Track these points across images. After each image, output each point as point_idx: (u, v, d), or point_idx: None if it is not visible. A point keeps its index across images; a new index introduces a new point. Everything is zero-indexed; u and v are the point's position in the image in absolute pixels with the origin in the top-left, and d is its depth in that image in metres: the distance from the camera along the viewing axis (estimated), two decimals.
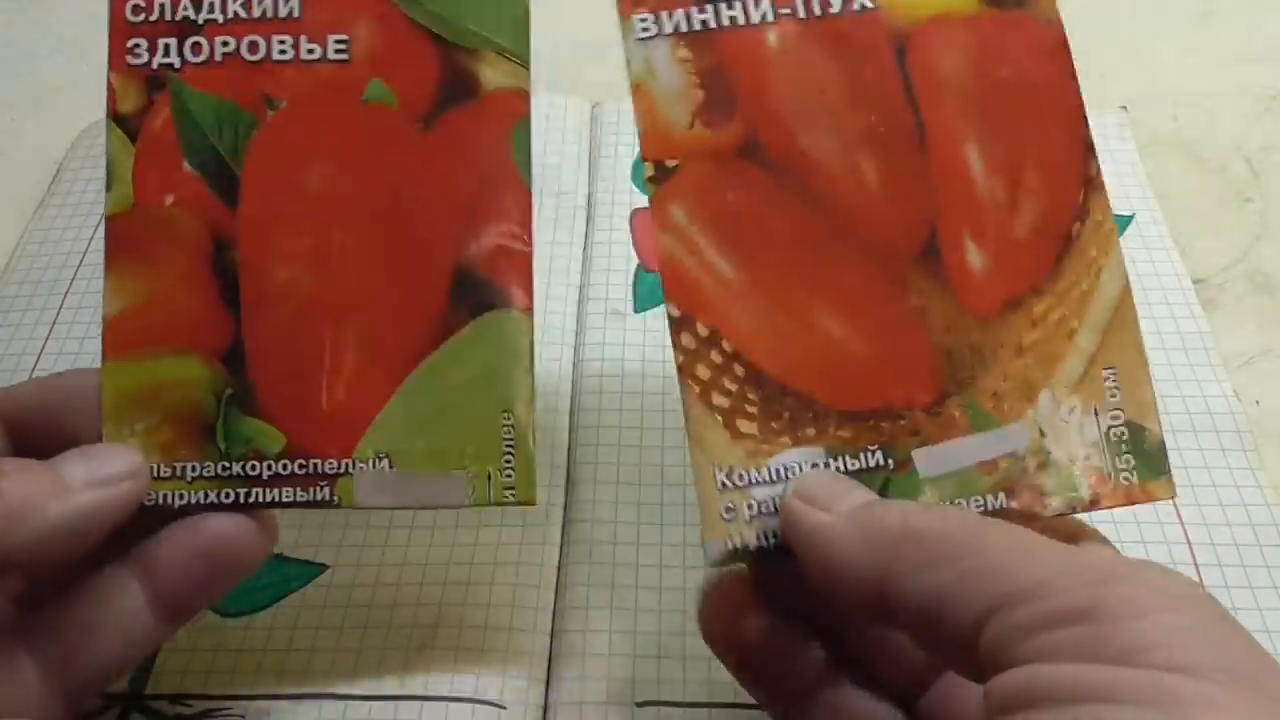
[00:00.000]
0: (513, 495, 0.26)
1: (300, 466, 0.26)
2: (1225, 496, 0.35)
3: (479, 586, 0.33)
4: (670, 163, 0.26)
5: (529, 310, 0.27)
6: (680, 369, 0.25)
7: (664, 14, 0.26)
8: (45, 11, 0.58)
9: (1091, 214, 0.26)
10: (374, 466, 0.26)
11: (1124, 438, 0.25)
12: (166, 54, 0.27)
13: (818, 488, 0.24)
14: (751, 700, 0.26)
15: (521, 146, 0.27)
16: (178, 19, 0.27)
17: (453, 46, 0.27)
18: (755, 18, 0.26)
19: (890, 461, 0.25)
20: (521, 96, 0.27)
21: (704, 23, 0.26)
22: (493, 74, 0.27)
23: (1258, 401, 0.38)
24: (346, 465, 0.26)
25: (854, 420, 0.25)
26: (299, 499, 0.26)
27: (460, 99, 0.27)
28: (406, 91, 0.27)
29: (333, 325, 0.27)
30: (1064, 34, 0.27)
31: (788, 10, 0.26)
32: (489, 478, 0.26)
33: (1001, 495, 0.25)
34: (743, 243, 0.26)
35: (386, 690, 0.31)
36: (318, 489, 0.26)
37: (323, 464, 0.26)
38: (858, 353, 0.26)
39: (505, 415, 0.26)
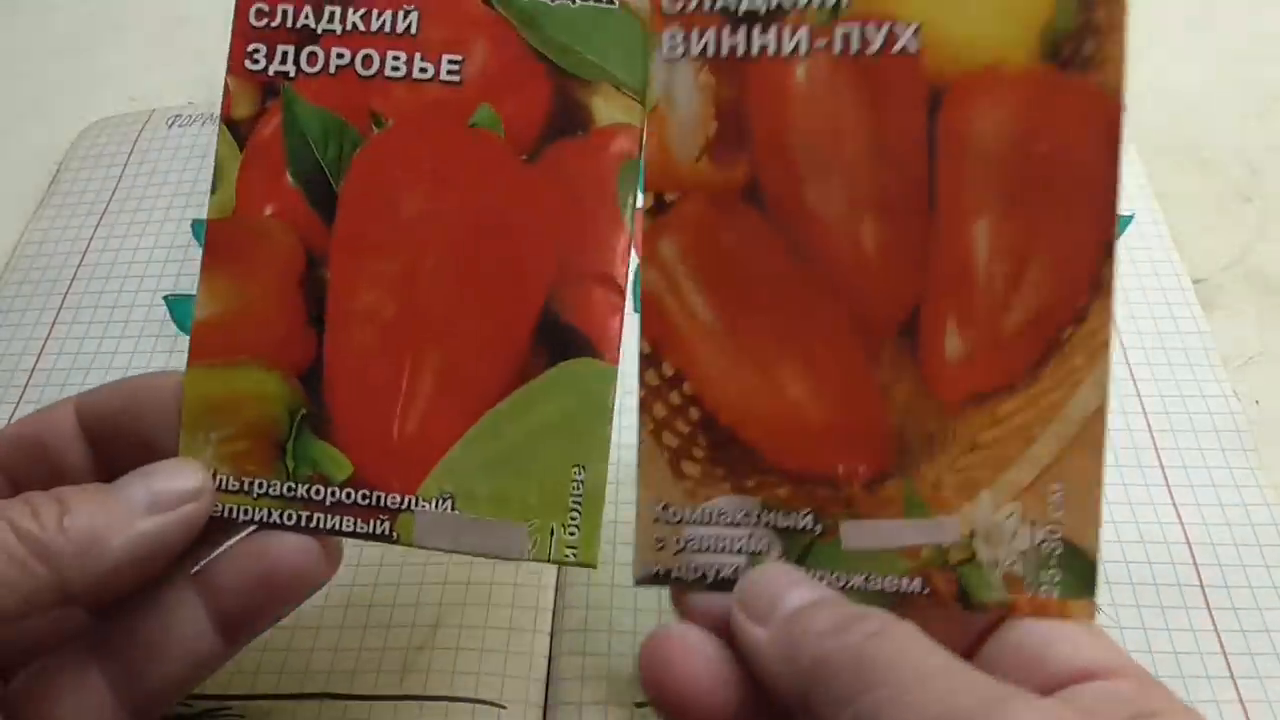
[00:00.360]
0: (574, 555, 0.25)
1: (364, 497, 0.26)
2: (1225, 496, 0.35)
3: (479, 586, 0.33)
4: (670, 197, 0.25)
5: (615, 361, 0.26)
6: (640, 402, 0.25)
7: (694, 32, 0.25)
8: (45, 11, 0.58)
9: (1089, 321, 0.24)
10: (437, 506, 0.26)
11: (1055, 553, 0.24)
12: (284, 61, 0.27)
13: (757, 594, 0.24)
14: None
15: (628, 187, 0.26)
16: (298, 26, 0.27)
17: (568, 76, 0.26)
18: (788, 48, 0.25)
19: (819, 527, 0.25)
20: (633, 133, 0.26)
21: (733, 48, 0.25)
22: (606, 108, 0.26)
23: (1257, 401, 0.38)
24: (409, 501, 0.26)
25: (793, 480, 0.25)
26: (359, 530, 0.26)
27: (569, 131, 0.26)
28: (515, 119, 0.26)
29: (412, 355, 0.26)
30: (1122, 111, 0.24)
31: (824, 43, 0.25)
32: (552, 533, 0.26)
33: (918, 580, 0.25)
34: (726, 288, 0.25)
35: (386, 690, 0.31)
36: (378, 522, 0.26)
37: (386, 497, 0.26)
38: (812, 417, 0.25)
39: (577, 470, 0.26)
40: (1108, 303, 0.25)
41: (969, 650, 0.24)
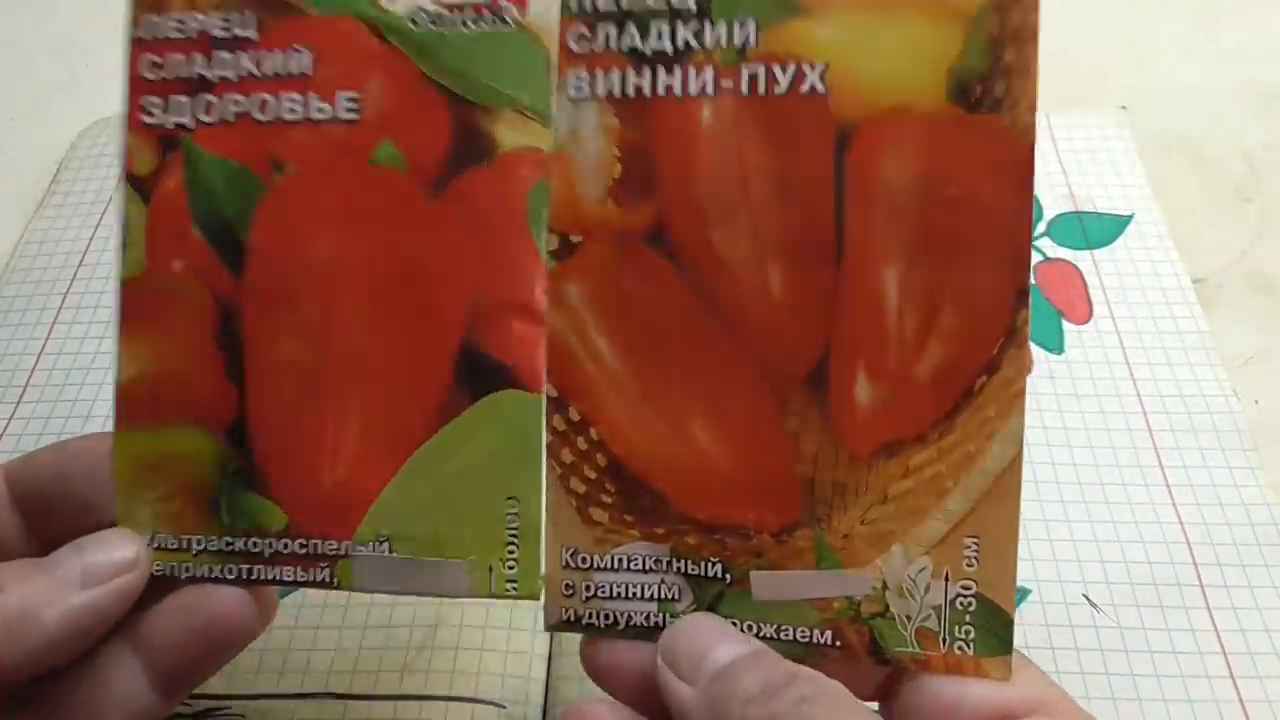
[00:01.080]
0: (514, 589, 0.25)
1: (301, 546, 0.26)
2: (1225, 496, 0.35)
3: None
4: (575, 239, 0.25)
5: (541, 390, 0.25)
6: (547, 447, 0.25)
7: (599, 73, 0.25)
8: (45, 11, 0.58)
9: (1003, 370, 0.24)
10: (374, 550, 0.25)
11: (970, 608, 0.24)
12: (180, 113, 0.26)
13: (683, 649, 0.24)
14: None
15: (538, 212, 0.25)
16: (191, 77, 0.26)
17: (468, 104, 0.26)
18: (694, 88, 0.24)
19: (728, 576, 0.25)
20: (540, 157, 0.25)
21: (639, 88, 0.25)
22: (510, 133, 0.25)
23: (1257, 401, 0.38)
24: (347, 547, 0.26)
25: (702, 529, 0.25)
26: (299, 579, 0.26)
27: (473, 161, 0.25)
28: (417, 153, 0.26)
29: (335, 401, 0.26)
30: (1033, 149, 0.23)
31: (730, 83, 0.24)
32: (491, 568, 0.25)
33: (830, 632, 0.24)
34: (632, 333, 0.25)
35: (386, 690, 0.31)
36: (318, 570, 0.26)
37: (323, 544, 0.26)
38: (721, 465, 0.25)
39: (511, 503, 0.25)
40: (1022, 351, 0.24)
41: (884, 692, 0.24)
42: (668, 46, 0.24)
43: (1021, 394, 0.24)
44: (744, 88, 0.24)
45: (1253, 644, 0.32)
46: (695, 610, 0.25)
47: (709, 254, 0.25)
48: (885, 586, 0.24)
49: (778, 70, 0.24)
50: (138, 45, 0.27)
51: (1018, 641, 0.32)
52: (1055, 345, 0.40)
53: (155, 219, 0.26)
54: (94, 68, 0.56)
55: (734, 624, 0.24)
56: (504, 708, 0.31)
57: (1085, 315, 0.41)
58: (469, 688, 0.31)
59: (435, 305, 0.26)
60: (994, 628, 0.24)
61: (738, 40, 0.24)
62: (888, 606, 0.24)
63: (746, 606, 0.25)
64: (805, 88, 0.24)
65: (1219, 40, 0.52)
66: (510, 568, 0.25)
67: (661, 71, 0.24)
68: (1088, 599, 0.33)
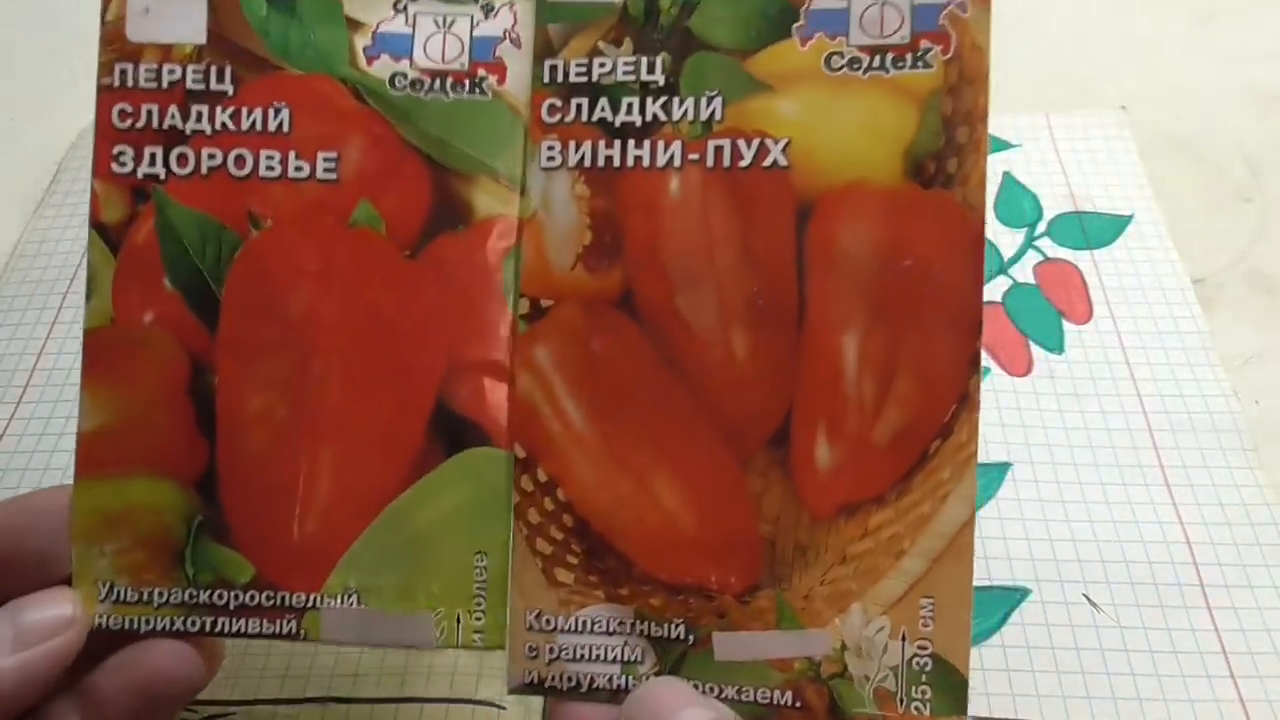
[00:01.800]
0: (481, 640, 0.26)
1: (268, 598, 0.26)
2: (1225, 496, 0.35)
3: None
4: (545, 303, 0.26)
5: (510, 447, 0.26)
6: (514, 508, 0.26)
7: (571, 144, 0.25)
8: (45, 12, 0.58)
9: (955, 434, 0.25)
10: (342, 602, 0.26)
11: (926, 668, 0.24)
12: (152, 164, 0.26)
13: (647, 716, 0.24)
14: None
15: (510, 276, 0.26)
16: (164, 127, 0.26)
17: (446, 169, 0.26)
18: (661, 161, 0.25)
19: (691, 637, 0.25)
20: (513, 223, 0.26)
21: (609, 159, 0.25)
22: (486, 200, 0.26)
23: (1257, 401, 0.38)
24: (315, 599, 0.26)
25: (666, 590, 0.25)
26: (265, 631, 0.26)
27: (450, 225, 0.26)
28: (395, 215, 0.26)
29: (308, 455, 0.26)
30: (983, 224, 0.24)
31: (696, 157, 0.25)
32: (459, 620, 0.26)
33: (790, 693, 0.25)
34: (599, 395, 0.25)
35: (388, 693, 0.31)
36: (284, 622, 0.26)
37: (291, 597, 0.26)
38: (685, 527, 0.25)
39: (479, 557, 0.26)
40: (974, 416, 0.25)
41: None
42: (637, 119, 0.25)
43: (973, 458, 0.25)
44: (710, 160, 0.25)
45: (1253, 644, 0.32)
46: (658, 672, 0.25)
47: (675, 319, 0.25)
48: (844, 647, 0.25)
49: (742, 144, 0.25)
50: (107, 93, 0.27)
51: (1019, 641, 0.32)
52: (1055, 345, 0.40)
53: (124, 269, 0.26)
54: (94, 68, 0.56)
55: (696, 685, 0.25)
56: (504, 708, 0.31)
57: (1085, 315, 0.41)
58: (469, 689, 0.31)
59: (411, 364, 0.26)
60: (949, 688, 0.24)
61: (704, 115, 0.25)
62: (846, 667, 0.25)
63: (709, 667, 0.25)
64: (769, 161, 0.25)
65: (1219, 40, 0.52)
66: (477, 619, 0.26)
67: (631, 143, 0.25)
68: (1088, 599, 0.33)
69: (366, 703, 0.31)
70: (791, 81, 0.25)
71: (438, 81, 0.26)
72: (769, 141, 0.25)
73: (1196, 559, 0.34)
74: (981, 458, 0.36)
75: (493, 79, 0.26)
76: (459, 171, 0.26)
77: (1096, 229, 0.43)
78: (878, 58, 0.25)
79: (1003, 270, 0.42)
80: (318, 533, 0.26)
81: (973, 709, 0.31)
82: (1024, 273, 0.42)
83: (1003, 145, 0.47)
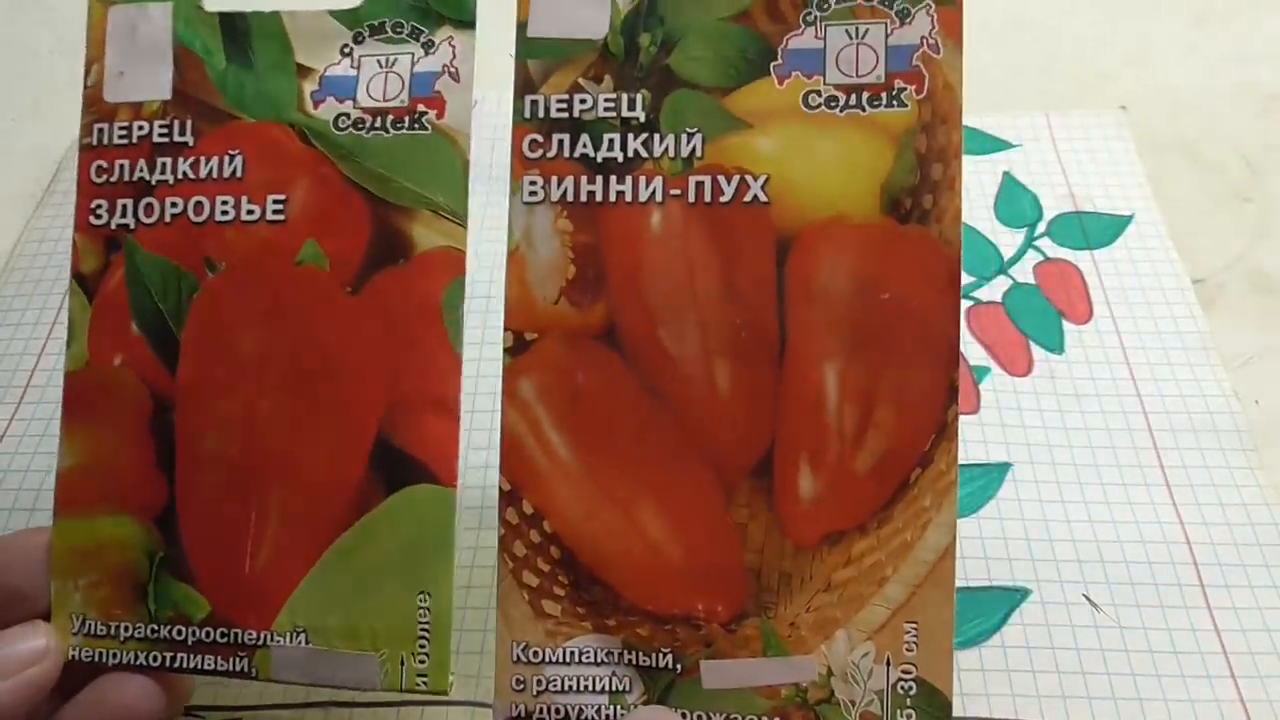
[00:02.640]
0: (425, 683, 0.26)
1: (222, 635, 0.26)
2: (1225, 496, 0.35)
3: (480, 590, 0.33)
4: (529, 336, 0.26)
5: (453, 484, 0.26)
6: (500, 541, 0.26)
7: (554, 179, 0.26)
8: (45, 11, 0.58)
9: (935, 463, 0.25)
10: (291, 640, 0.26)
11: (910, 693, 0.25)
12: (124, 214, 0.28)
13: None
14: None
15: (454, 310, 0.26)
16: (134, 180, 0.27)
17: (387, 205, 0.27)
18: (644, 196, 0.26)
19: (679, 666, 0.25)
20: (456, 256, 0.26)
21: (591, 194, 0.26)
22: (426, 233, 0.26)
23: (1257, 401, 0.38)
24: (265, 637, 0.26)
25: (654, 620, 0.26)
26: (219, 668, 0.26)
27: (391, 260, 0.27)
28: (338, 252, 0.27)
29: (257, 492, 0.26)
30: (960, 261, 0.25)
31: (678, 192, 0.25)
32: (402, 662, 0.26)
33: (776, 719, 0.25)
34: (584, 427, 0.26)
35: (389, 696, 0.31)
36: (237, 659, 0.26)
37: (243, 634, 0.26)
38: (670, 557, 0.26)
39: (423, 597, 0.26)
40: (953, 445, 0.25)
41: None
42: (619, 155, 0.26)
43: (954, 485, 0.25)
44: (691, 195, 0.26)
45: (1253, 644, 0.32)
46: (646, 702, 0.25)
47: (658, 351, 0.26)
48: (830, 673, 0.25)
49: (723, 180, 0.25)
50: (87, 151, 0.28)
51: (1019, 641, 0.32)
52: (1055, 345, 0.40)
53: (99, 315, 0.28)
54: None
55: (684, 714, 0.25)
56: None
57: (1085, 315, 0.41)
58: (468, 690, 0.31)
59: (351, 400, 0.26)
60: (934, 711, 0.25)
61: (684, 151, 0.26)
62: (833, 692, 0.25)
63: (697, 696, 0.25)
64: (749, 197, 0.25)
65: (1219, 40, 0.52)
66: (421, 661, 0.26)
67: (613, 179, 0.26)
68: (1088, 599, 0.33)
69: (368, 706, 0.31)
70: (770, 119, 0.25)
71: (379, 119, 0.27)
72: (749, 178, 0.25)
73: (1196, 559, 0.34)
74: (981, 458, 0.36)
75: (432, 113, 0.27)
76: (400, 206, 0.27)
77: (1096, 229, 0.43)
78: (854, 96, 0.25)
79: (1003, 270, 0.42)
80: (267, 571, 0.26)
81: (973, 709, 0.31)
82: (1024, 273, 0.42)
83: (1003, 145, 0.47)
